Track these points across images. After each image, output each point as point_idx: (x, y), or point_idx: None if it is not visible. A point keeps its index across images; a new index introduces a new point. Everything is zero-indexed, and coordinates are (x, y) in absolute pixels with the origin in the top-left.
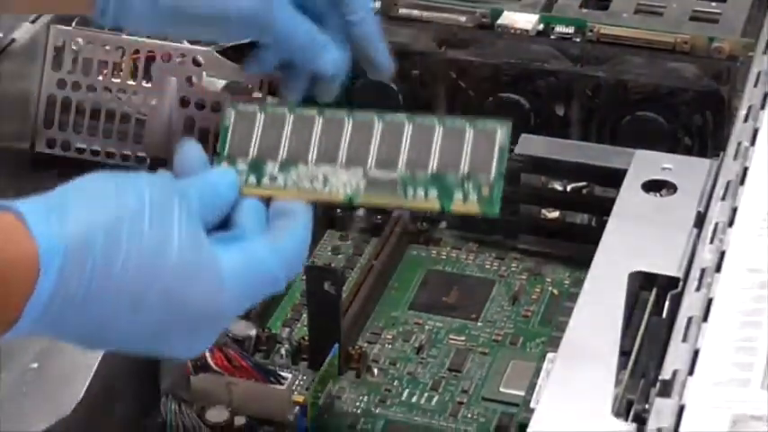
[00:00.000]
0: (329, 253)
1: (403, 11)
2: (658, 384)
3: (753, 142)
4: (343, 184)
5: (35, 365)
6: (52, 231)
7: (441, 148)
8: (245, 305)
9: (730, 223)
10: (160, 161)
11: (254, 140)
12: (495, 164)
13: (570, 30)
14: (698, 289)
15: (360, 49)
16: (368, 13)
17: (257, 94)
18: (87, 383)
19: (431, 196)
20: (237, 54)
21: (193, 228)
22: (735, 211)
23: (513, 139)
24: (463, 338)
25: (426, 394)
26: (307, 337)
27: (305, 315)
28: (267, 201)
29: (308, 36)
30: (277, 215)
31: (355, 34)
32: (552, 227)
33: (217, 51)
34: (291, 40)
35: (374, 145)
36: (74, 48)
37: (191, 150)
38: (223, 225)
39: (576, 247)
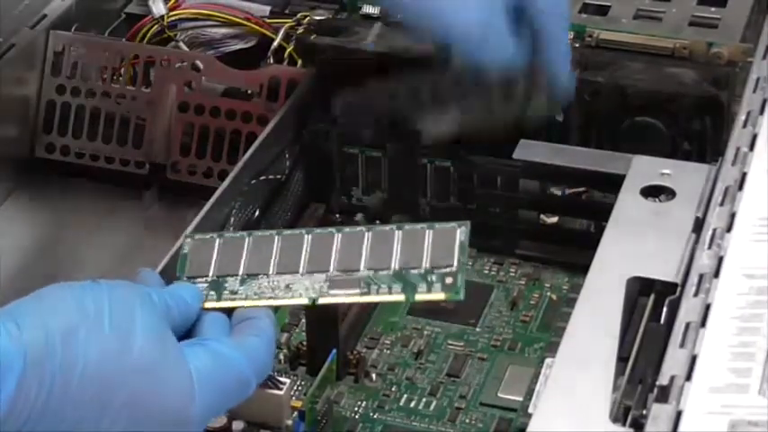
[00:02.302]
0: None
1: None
2: (656, 390)
3: (751, 148)
4: (305, 288)
5: None
6: (11, 339)
7: (401, 250)
8: (216, 411)
9: (729, 229)
10: (159, 166)
11: (213, 263)
12: (456, 256)
13: (570, 35)
14: (696, 294)
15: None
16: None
17: (256, 100)
18: None
19: (395, 290)
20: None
21: (158, 327)
22: (733, 216)
23: (513, 145)
24: (462, 344)
25: (425, 399)
26: (305, 342)
27: (303, 320)
28: (229, 314)
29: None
30: (240, 321)
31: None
32: (551, 232)
33: (216, 57)
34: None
35: (335, 254)
36: (73, 53)
37: (148, 275)
38: (186, 338)
39: (575, 253)
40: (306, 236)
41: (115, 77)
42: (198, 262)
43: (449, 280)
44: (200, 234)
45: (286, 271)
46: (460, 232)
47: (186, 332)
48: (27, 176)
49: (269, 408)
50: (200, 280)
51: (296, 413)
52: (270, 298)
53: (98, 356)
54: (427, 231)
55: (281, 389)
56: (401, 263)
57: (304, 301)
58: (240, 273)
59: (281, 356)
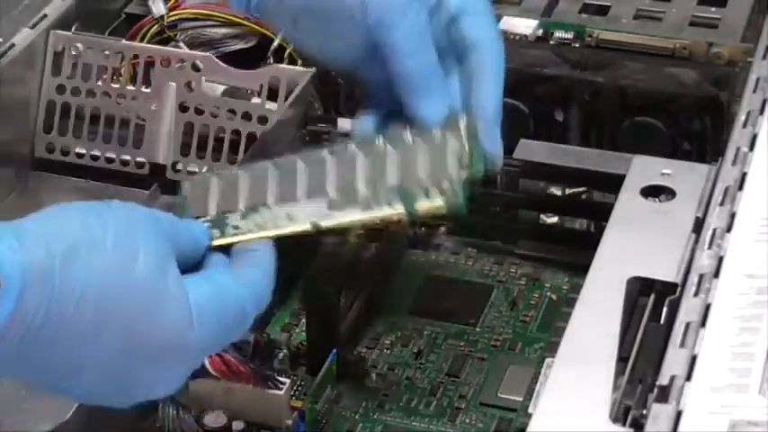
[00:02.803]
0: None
1: None
2: (656, 390)
3: (751, 148)
4: (306, 215)
5: None
6: (13, 255)
7: (397, 166)
8: (214, 342)
9: (729, 229)
10: (159, 166)
11: (211, 202)
12: (451, 164)
13: (570, 35)
14: (696, 294)
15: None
16: (490, 96)
17: (256, 100)
18: None
19: (395, 205)
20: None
21: (161, 251)
22: (733, 216)
23: (513, 145)
24: (462, 344)
25: (425, 399)
26: (305, 343)
27: (303, 320)
28: (229, 250)
29: (422, 64)
30: (238, 255)
31: (472, 105)
32: (551, 232)
33: (216, 57)
34: (404, 60)
35: (330, 177)
36: (73, 53)
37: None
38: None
39: (575, 253)
40: (299, 162)
41: (115, 77)
42: (197, 203)
43: (445, 185)
44: (196, 176)
45: (285, 200)
46: (453, 142)
47: (191, 268)
48: (27, 176)
49: (269, 408)
50: (202, 220)
51: (296, 413)
52: (273, 228)
53: (98, 278)
54: (421, 146)
55: (281, 389)
56: (399, 178)
57: (306, 226)
58: (240, 208)
59: (282, 356)
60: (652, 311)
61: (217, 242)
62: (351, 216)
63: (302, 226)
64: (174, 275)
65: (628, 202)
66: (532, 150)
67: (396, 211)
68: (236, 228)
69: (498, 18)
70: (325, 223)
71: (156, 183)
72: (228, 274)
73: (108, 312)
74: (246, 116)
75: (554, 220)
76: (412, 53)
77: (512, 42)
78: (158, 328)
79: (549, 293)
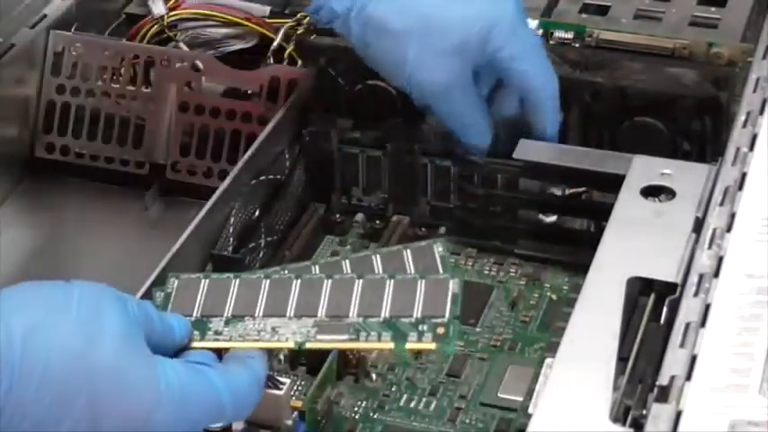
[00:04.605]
0: (328, 258)
1: None
2: (656, 390)
3: (751, 148)
4: (292, 332)
5: None
6: None
7: (392, 298)
8: (184, 427)
9: (728, 229)
10: (159, 166)
11: (197, 303)
12: (449, 308)
13: (569, 35)
14: (696, 294)
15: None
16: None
17: (256, 100)
18: None
19: (384, 338)
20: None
21: (127, 332)
22: (733, 216)
23: (513, 145)
24: (462, 344)
25: (424, 399)
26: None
27: None
28: (220, 356)
29: (471, 118)
30: (230, 358)
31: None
32: (551, 232)
33: (216, 57)
34: (456, 118)
35: (323, 300)
36: (73, 53)
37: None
38: None
39: (575, 253)
40: (294, 281)
41: (115, 77)
42: (181, 301)
43: (440, 330)
44: (185, 274)
45: (273, 314)
46: (453, 284)
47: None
48: (27, 176)
49: (269, 408)
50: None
51: (296, 413)
52: (255, 340)
53: (60, 356)
54: (419, 281)
55: (281, 389)
56: (392, 311)
57: (290, 344)
58: (225, 314)
59: (281, 356)
60: (652, 311)
61: (195, 344)
62: (337, 343)
63: (285, 344)
64: (143, 352)
65: (628, 202)
66: (532, 150)
67: (383, 345)
68: (217, 333)
69: None
70: (310, 345)
71: (156, 183)
72: (213, 367)
73: (71, 393)
74: (246, 116)
75: (554, 219)
76: (455, 113)
77: None
78: (123, 408)
79: (549, 293)
